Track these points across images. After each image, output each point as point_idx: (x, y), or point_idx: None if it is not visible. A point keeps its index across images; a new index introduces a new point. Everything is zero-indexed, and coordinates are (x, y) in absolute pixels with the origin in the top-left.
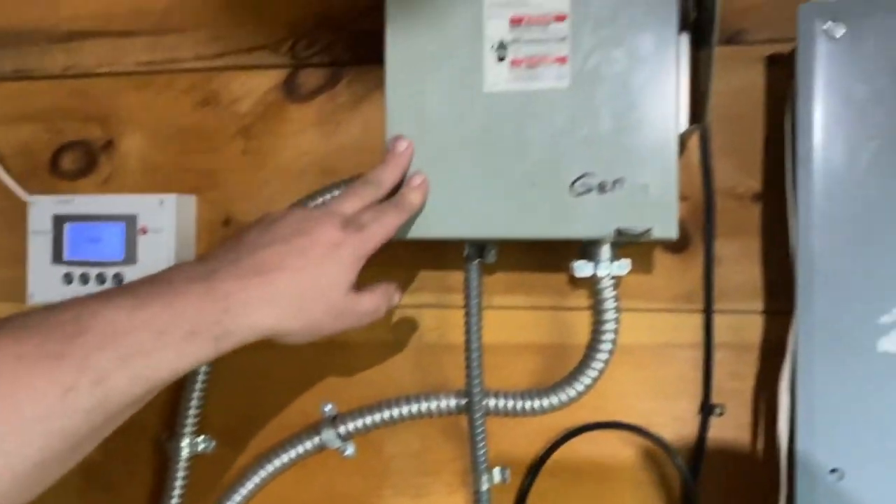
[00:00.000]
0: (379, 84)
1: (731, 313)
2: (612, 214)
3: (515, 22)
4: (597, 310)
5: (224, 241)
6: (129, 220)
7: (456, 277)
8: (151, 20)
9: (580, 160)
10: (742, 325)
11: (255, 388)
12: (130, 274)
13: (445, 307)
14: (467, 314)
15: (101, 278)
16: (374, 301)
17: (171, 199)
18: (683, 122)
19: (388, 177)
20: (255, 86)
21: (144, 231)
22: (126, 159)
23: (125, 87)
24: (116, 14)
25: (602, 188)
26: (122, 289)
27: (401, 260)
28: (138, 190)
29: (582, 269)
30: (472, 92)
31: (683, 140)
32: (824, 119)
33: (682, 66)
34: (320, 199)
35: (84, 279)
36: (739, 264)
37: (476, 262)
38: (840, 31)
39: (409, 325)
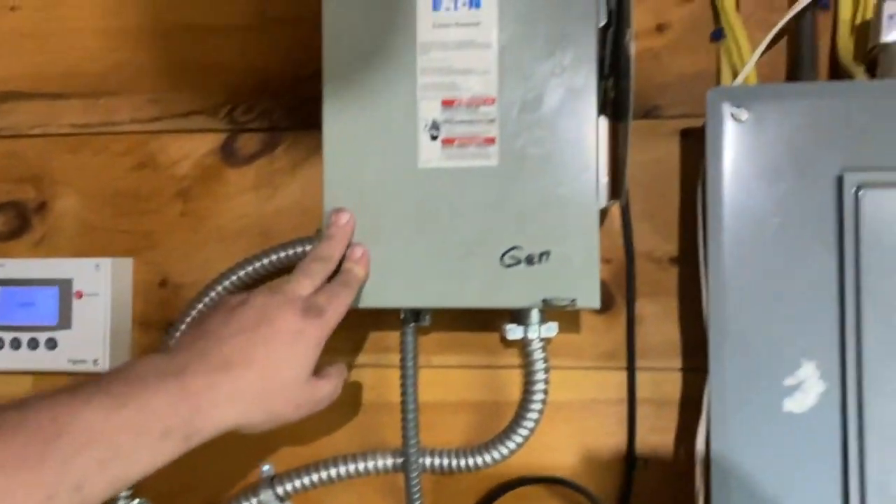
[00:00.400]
0: (317, 149)
1: (651, 371)
2: (539, 285)
3: (447, 103)
4: (527, 370)
5: (189, 326)
6: (64, 284)
7: (393, 337)
8: (87, 83)
9: (509, 234)
10: (662, 382)
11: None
12: (64, 339)
13: (383, 367)
14: (403, 376)
15: (33, 343)
16: (331, 384)
17: (106, 262)
18: (603, 198)
19: (336, 251)
20: (192, 149)
21: (80, 295)
22: (60, 221)
23: (59, 149)
24: (51, 76)
25: (530, 260)
26: (96, 386)
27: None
28: (72, 251)
29: (513, 332)
30: (407, 167)
31: (606, 211)
32: (732, 194)
33: (602, 146)
34: (259, 264)
35: (15, 344)
36: (659, 324)
37: (412, 325)
38: (745, 115)
39: (348, 385)
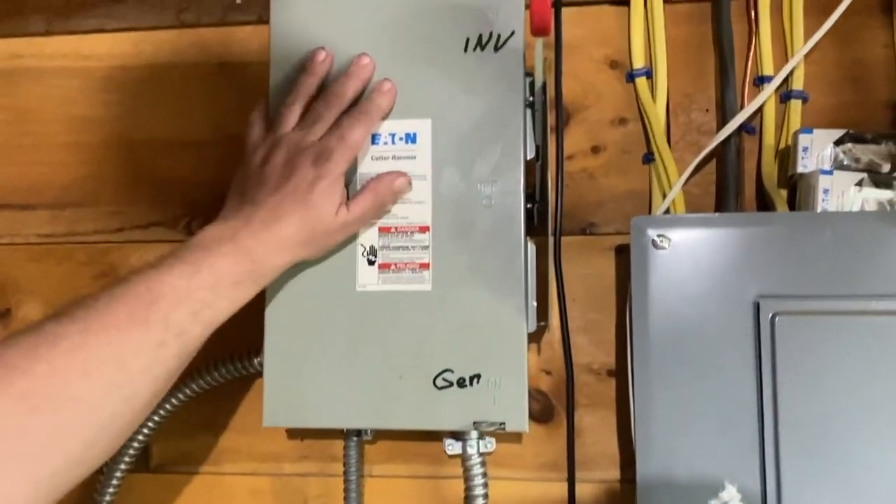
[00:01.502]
0: None
1: (591, 482)
2: (470, 408)
3: (384, 230)
4: (467, 485)
5: (231, 194)
6: None
7: (339, 446)
8: (53, 194)
9: (442, 356)
10: (602, 494)
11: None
12: None
13: (330, 476)
14: (346, 489)
15: None
16: (365, 204)
17: None
18: (533, 322)
19: (350, 88)
20: (152, 258)
21: None
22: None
23: (24, 258)
24: (18, 188)
25: (461, 383)
26: (173, 258)
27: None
28: None
29: (452, 447)
30: (346, 290)
31: (544, 328)
32: (656, 315)
33: (530, 270)
34: (210, 377)
35: None
36: (598, 435)
37: (355, 438)
38: (666, 242)
39: (295, 494)
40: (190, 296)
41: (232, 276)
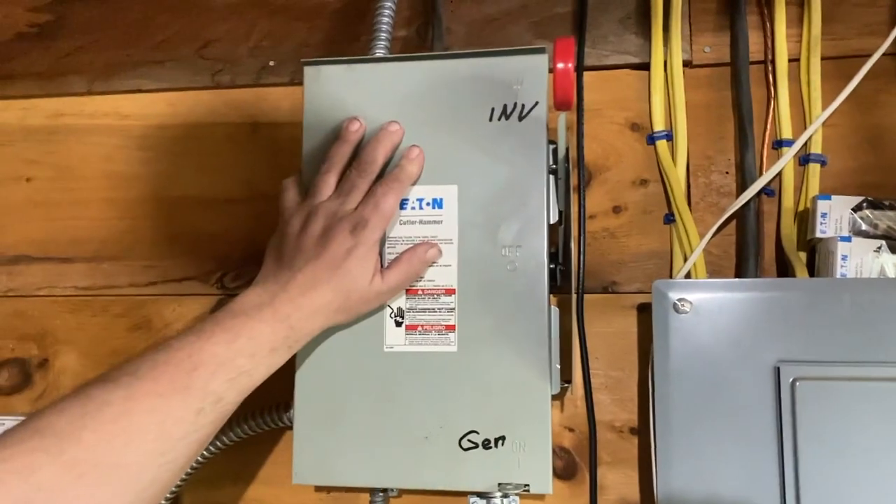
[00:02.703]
0: None
1: None
2: (495, 470)
3: (411, 293)
4: None
5: (268, 258)
6: None
7: (366, 499)
8: (91, 248)
9: (467, 418)
10: None
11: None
12: None
13: None
14: None
15: None
16: (399, 275)
17: None
18: (556, 385)
19: (381, 155)
20: (185, 312)
21: None
22: (59, 377)
23: (62, 310)
24: (58, 242)
25: (486, 445)
26: (213, 324)
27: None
28: None
29: None
30: (374, 350)
31: (564, 390)
32: (677, 376)
33: (553, 333)
34: (241, 429)
35: None
36: (621, 492)
37: (380, 494)
38: (688, 306)
39: None
40: (228, 363)
41: (269, 343)
